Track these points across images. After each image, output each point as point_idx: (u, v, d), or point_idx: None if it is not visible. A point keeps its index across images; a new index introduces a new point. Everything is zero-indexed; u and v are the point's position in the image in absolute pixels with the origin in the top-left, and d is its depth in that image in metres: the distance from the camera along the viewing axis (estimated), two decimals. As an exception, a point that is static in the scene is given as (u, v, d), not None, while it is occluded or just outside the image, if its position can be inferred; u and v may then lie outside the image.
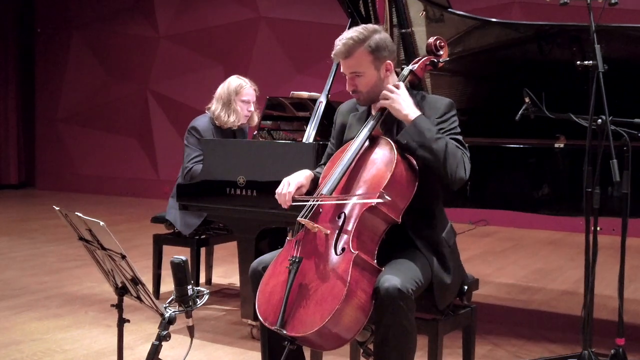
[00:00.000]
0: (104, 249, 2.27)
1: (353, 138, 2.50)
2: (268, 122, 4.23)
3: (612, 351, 2.88)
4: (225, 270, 5.29)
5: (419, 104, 2.48)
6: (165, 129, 10.03)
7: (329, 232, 2.31)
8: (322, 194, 2.38)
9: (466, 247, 6.23)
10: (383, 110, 2.49)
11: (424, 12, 3.70)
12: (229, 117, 4.11)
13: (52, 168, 11.26)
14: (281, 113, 4.27)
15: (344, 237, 2.29)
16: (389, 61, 2.51)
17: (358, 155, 2.43)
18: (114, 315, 2.43)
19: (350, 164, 2.41)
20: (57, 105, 11.16)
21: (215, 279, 4.97)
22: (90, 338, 3.67)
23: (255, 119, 4.24)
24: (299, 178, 2.53)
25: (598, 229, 2.83)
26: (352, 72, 2.50)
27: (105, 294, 4.52)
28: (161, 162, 10.19)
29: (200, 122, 4.17)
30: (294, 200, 2.45)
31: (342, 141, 2.66)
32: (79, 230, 2.37)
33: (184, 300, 2.25)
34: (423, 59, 2.63)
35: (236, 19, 9.46)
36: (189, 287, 2.25)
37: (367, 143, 2.46)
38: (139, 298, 2.32)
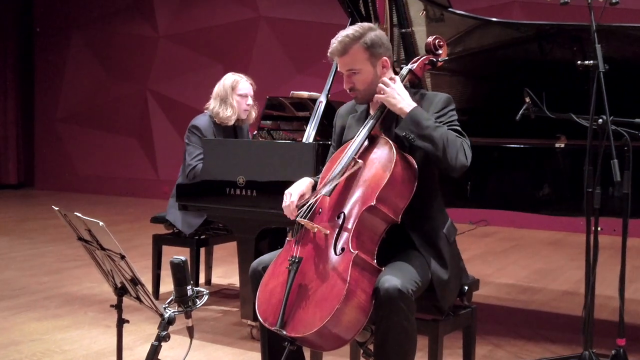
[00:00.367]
0: (103, 249, 2.26)
1: (352, 138, 2.49)
2: (268, 122, 4.22)
3: (613, 352, 2.88)
4: (225, 271, 5.28)
5: (418, 102, 2.47)
6: (165, 129, 10.03)
7: (328, 232, 2.31)
8: (321, 194, 2.38)
9: (466, 247, 6.23)
10: (382, 109, 2.49)
11: (424, 12, 3.70)
12: (227, 112, 4.11)
13: (52, 168, 11.26)
14: (281, 113, 4.26)
15: (344, 237, 2.28)
16: (385, 58, 2.50)
17: (357, 155, 2.42)
18: (114, 316, 2.43)
19: (350, 164, 2.40)
20: (57, 105, 11.16)
21: (215, 279, 4.97)
22: (89, 338, 3.67)
23: (254, 115, 4.25)
24: (300, 187, 2.52)
25: (599, 229, 2.83)
26: (348, 70, 2.50)
27: (104, 294, 4.51)
28: (161, 162, 10.19)
29: (201, 120, 4.18)
30: (298, 208, 2.44)
31: (342, 143, 2.66)
32: (78, 230, 2.36)
33: (183, 300, 2.24)
34: (422, 59, 2.63)
35: (236, 18, 9.46)
36: (189, 287, 2.24)
37: (366, 143, 2.46)
38: (138, 298, 2.32)
